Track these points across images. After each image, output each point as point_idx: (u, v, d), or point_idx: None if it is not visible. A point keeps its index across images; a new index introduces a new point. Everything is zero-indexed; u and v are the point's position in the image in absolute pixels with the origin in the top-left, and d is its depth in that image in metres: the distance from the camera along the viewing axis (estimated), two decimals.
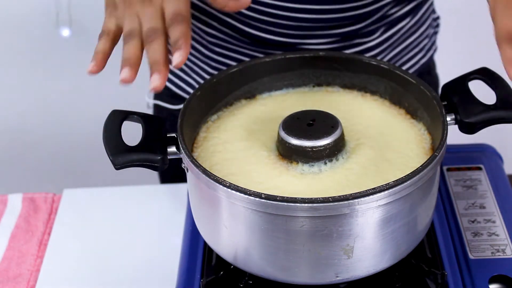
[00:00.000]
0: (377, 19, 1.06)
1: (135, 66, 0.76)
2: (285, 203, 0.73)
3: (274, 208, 0.74)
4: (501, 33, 0.77)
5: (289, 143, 0.81)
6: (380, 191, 0.74)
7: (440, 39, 1.21)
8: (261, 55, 1.07)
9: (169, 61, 0.78)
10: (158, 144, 0.80)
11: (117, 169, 0.78)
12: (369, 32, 1.07)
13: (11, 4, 1.81)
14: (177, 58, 0.75)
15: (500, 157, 1.05)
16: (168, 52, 0.78)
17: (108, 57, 0.79)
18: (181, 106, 0.85)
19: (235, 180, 0.77)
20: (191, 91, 1.14)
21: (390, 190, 0.74)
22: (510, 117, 0.82)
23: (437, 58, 1.24)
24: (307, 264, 0.78)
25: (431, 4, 1.16)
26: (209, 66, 1.11)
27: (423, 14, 1.13)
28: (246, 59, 1.07)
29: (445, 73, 1.16)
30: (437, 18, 1.21)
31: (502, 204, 0.96)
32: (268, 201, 0.74)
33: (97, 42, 0.80)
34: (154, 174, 1.22)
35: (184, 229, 0.96)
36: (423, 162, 0.77)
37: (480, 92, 0.86)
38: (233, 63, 1.08)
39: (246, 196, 0.74)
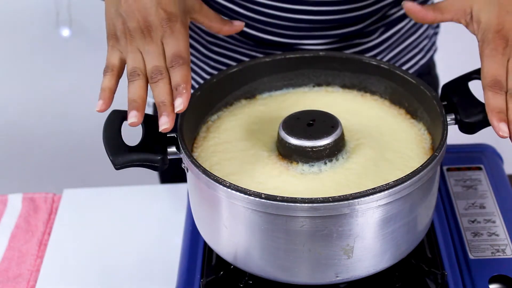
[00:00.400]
0: (376, 20, 1.06)
1: (142, 109, 0.79)
2: (285, 203, 0.73)
3: (274, 208, 0.74)
4: (485, 80, 0.78)
5: (289, 143, 0.81)
6: (380, 191, 0.74)
7: (440, 40, 1.21)
8: (260, 55, 1.07)
9: None
10: (158, 144, 0.80)
11: (117, 169, 0.78)
12: (369, 33, 1.07)
13: (11, 4, 1.81)
14: (179, 105, 0.78)
15: (500, 157, 1.05)
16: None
17: (115, 92, 0.82)
18: None
19: (235, 180, 0.77)
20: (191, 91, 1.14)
21: (390, 190, 0.74)
22: None
23: (437, 58, 1.24)
24: (307, 264, 0.78)
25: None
26: (208, 66, 1.11)
27: None
28: (246, 59, 1.07)
29: (445, 73, 1.16)
30: None
31: (502, 204, 0.96)
32: (268, 201, 0.74)
33: (103, 78, 0.81)
34: (154, 174, 1.22)
35: (184, 229, 0.96)
36: (423, 162, 0.77)
37: (480, 92, 0.86)
38: (233, 63, 1.08)
39: (246, 196, 0.74)
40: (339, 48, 1.07)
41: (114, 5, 0.83)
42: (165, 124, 0.77)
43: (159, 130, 0.78)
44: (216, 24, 0.90)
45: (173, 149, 0.80)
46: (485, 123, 0.82)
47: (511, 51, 0.80)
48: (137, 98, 0.79)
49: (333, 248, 0.76)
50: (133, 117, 0.78)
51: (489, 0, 0.82)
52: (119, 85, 0.82)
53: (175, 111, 0.78)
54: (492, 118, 0.78)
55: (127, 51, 0.82)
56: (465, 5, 0.84)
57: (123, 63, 0.83)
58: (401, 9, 1.08)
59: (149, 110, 1.22)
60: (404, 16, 1.09)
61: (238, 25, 0.91)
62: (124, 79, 0.82)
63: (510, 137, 0.78)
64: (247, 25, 1.05)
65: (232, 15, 1.04)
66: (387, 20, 1.08)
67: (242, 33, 1.06)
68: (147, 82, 0.81)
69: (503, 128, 0.77)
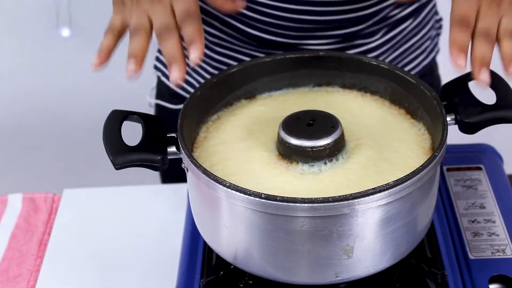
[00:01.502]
0: (378, 21, 1.06)
1: (141, 59, 0.77)
2: (285, 203, 0.73)
3: (274, 208, 0.74)
4: (453, 17, 0.79)
5: (289, 143, 0.81)
6: (380, 191, 0.74)
7: (443, 40, 1.21)
8: (261, 55, 1.07)
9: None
10: (158, 144, 0.80)
11: (117, 169, 0.78)
12: (371, 33, 1.07)
13: (11, 4, 1.81)
14: (194, 53, 0.76)
15: (500, 157, 1.05)
16: (183, 48, 0.79)
17: (112, 52, 0.80)
18: (181, 105, 0.85)
19: (235, 180, 0.77)
20: (192, 90, 1.14)
21: (390, 190, 0.74)
22: (510, 117, 0.82)
23: (439, 59, 1.24)
24: (307, 264, 0.78)
25: (434, 5, 1.16)
26: (210, 65, 1.11)
27: (426, 15, 1.13)
28: (247, 58, 1.07)
29: (447, 74, 1.16)
30: (440, 19, 1.21)
31: (502, 204, 0.96)
32: (268, 201, 0.74)
33: (102, 39, 0.80)
34: (155, 174, 1.21)
35: (184, 229, 0.96)
36: (423, 162, 0.77)
37: (480, 92, 0.86)
38: (234, 63, 1.08)
39: (246, 196, 0.74)
40: (341, 49, 1.07)
41: None
42: (176, 76, 0.75)
43: (171, 82, 0.75)
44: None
45: (173, 149, 0.80)
46: (485, 123, 0.82)
47: (482, 1, 0.80)
48: (137, 50, 0.77)
49: (333, 248, 0.76)
50: (131, 64, 0.76)
51: None
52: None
53: (191, 65, 0.76)
54: (452, 50, 0.77)
55: (132, 13, 0.81)
56: None
57: (125, 26, 0.81)
58: (403, 10, 1.08)
59: (150, 111, 1.22)
60: (406, 17, 1.09)
61: (240, 3, 0.87)
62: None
63: (475, 72, 0.77)
64: (250, 25, 1.05)
65: (235, 16, 1.05)
66: (390, 21, 1.07)
67: (244, 33, 1.06)
68: (148, 38, 0.79)
69: (461, 61, 0.77)
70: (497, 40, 0.80)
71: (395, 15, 1.08)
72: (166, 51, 0.78)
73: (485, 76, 0.77)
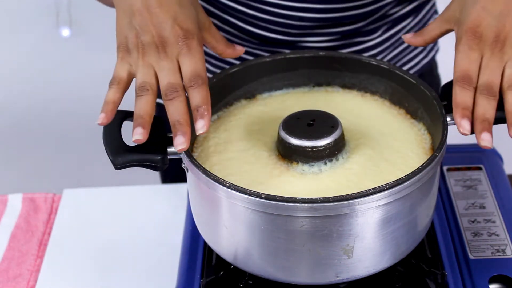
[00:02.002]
0: (378, 18, 1.06)
1: (148, 126, 0.76)
2: (285, 203, 0.73)
3: (274, 208, 0.74)
4: (455, 74, 0.79)
5: (289, 143, 0.81)
6: (380, 191, 0.74)
7: (443, 39, 1.21)
8: (262, 53, 1.07)
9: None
10: (158, 144, 0.80)
11: (117, 169, 0.78)
12: (370, 31, 1.07)
13: (12, 4, 1.81)
14: (201, 127, 0.76)
15: (500, 157, 1.05)
16: (189, 110, 0.78)
17: (118, 106, 0.79)
18: None
19: (235, 180, 0.77)
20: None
21: (390, 190, 0.74)
22: None
23: (439, 59, 1.24)
24: (307, 264, 0.78)
25: (434, 4, 1.16)
26: (210, 64, 1.11)
27: (425, 14, 1.13)
28: (248, 57, 1.07)
29: (447, 74, 1.16)
30: None
31: (502, 204, 0.96)
32: (268, 201, 0.74)
33: (108, 90, 0.78)
34: (155, 174, 1.21)
35: (184, 229, 0.96)
36: (423, 162, 0.77)
37: None
38: (236, 62, 1.08)
39: (246, 196, 0.74)
40: (340, 46, 1.06)
41: (127, 16, 0.80)
42: (181, 144, 0.75)
43: (176, 150, 0.76)
44: (221, 46, 0.87)
45: (173, 149, 0.80)
46: None
47: (484, 48, 0.79)
48: (144, 114, 0.76)
49: (333, 248, 0.76)
50: (138, 134, 0.75)
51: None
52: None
53: (197, 134, 0.76)
54: (455, 113, 0.77)
55: (138, 65, 0.79)
56: (454, 9, 0.84)
57: (131, 77, 0.80)
58: (403, 8, 1.08)
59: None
60: (406, 15, 1.09)
61: (240, 49, 0.89)
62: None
63: (476, 134, 0.77)
64: (249, 23, 1.04)
65: (236, 14, 1.04)
66: (389, 19, 1.07)
67: (243, 30, 1.06)
68: (155, 98, 0.78)
69: (465, 125, 0.77)
70: (501, 91, 0.79)
71: (395, 13, 1.08)
72: (172, 114, 0.77)
73: (486, 141, 0.76)
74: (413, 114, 0.90)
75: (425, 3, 1.12)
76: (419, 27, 1.12)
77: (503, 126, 0.89)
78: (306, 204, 0.73)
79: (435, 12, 1.18)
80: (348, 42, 1.06)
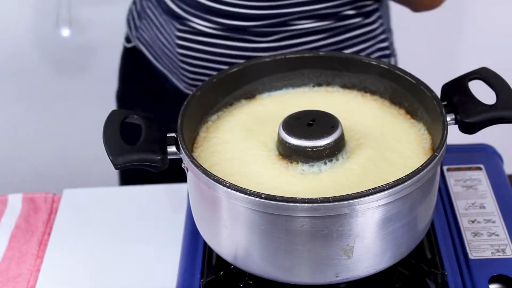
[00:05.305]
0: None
1: None
2: (285, 203, 0.73)
3: (274, 208, 0.74)
4: None
5: (289, 143, 0.81)
6: (380, 191, 0.74)
7: (443, 39, 1.21)
8: (261, 54, 1.07)
9: None
10: (158, 144, 0.80)
11: (117, 169, 0.78)
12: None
13: (11, 4, 1.81)
14: None
15: (500, 157, 1.05)
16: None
17: None
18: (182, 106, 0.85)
19: (235, 180, 0.77)
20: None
21: (390, 190, 0.74)
22: (510, 117, 0.82)
23: (438, 58, 1.24)
24: (307, 264, 0.78)
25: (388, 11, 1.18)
26: (213, 62, 1.12)
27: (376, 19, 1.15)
28: (251, 54, 1.08)
29: (447, 74, 1.16)
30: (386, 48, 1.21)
31: (502, 204, 0.96)
32: (268, 201, 0.74)
33: None
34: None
35: (184, 229, 0.96)
36: (423, 162, 0.77)
37: (480, 92, 0.86)
38: (238, 61, 1.08)
39: (246, 196, 0.74)
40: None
41: None
42: None
43: None
44: None
45: (173, 149, 0.80)
46: (485, 123, 0.82)
47: None
48: None
49: (333, 248, 0.76)
50: None
51: None
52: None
53: None
54: None
55: None
56: None
57: None
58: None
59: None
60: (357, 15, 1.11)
61: None
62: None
63: None
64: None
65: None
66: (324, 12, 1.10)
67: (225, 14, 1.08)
68: None
69: None
70: None
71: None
72: None
73: None
74: (413, 114, 0.90)
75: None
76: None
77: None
78: (306, 204, 0.73)
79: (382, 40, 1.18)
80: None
